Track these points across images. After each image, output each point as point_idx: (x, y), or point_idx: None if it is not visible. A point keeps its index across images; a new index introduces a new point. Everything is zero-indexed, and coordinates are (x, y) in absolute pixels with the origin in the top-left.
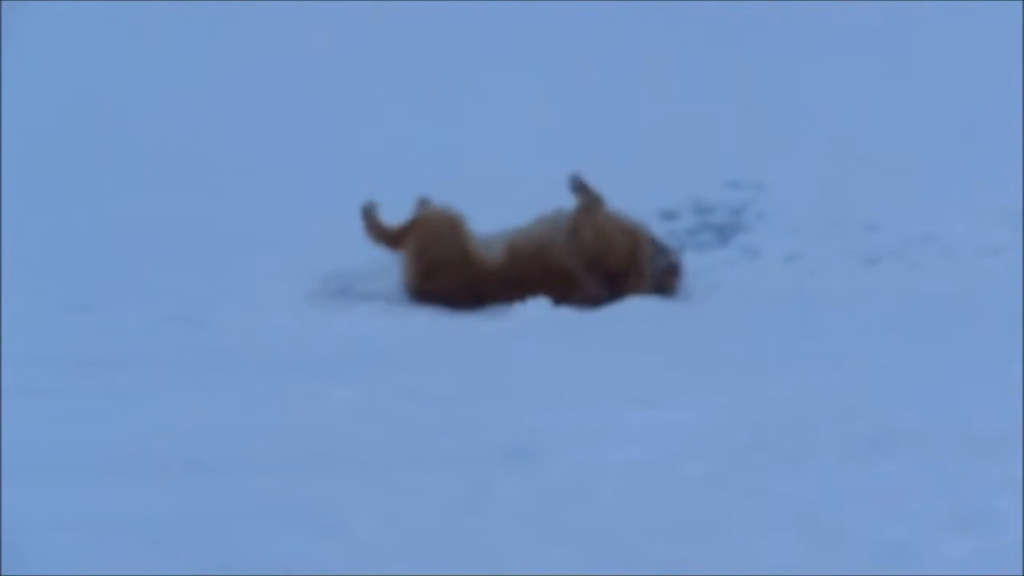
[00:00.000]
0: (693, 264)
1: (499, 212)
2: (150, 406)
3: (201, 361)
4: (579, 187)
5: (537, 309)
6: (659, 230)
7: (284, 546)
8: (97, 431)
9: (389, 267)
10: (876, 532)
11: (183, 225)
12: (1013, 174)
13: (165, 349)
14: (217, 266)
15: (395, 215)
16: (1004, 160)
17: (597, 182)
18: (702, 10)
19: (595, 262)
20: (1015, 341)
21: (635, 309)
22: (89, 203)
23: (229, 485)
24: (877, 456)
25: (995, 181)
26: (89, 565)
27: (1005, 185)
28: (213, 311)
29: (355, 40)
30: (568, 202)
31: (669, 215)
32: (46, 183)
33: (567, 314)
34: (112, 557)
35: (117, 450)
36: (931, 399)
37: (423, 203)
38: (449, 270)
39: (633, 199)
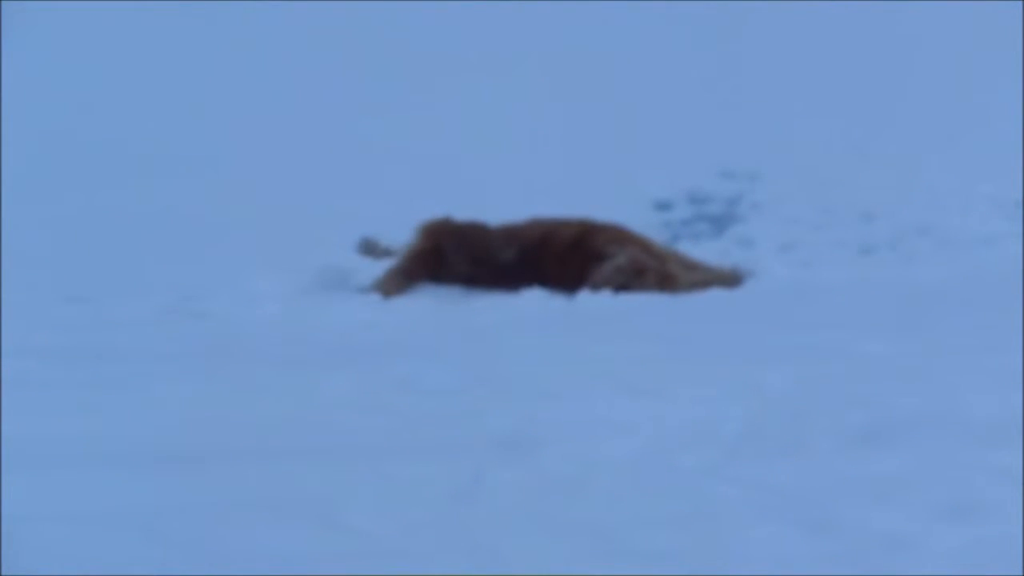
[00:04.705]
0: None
1: (495, 205)
2: (144, 397)
3: (196, 352)
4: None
5: (532, 300)
6: (654, 221)
7: (278, 538)
8: (91, 423)
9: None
10: (872, 522)
11: (178, 217)
12: (1008, 164)
13: (160, 341)
14: (212, 258)
15: (393, 211)
16: (1000, 150)
17: (592, 173)
18: (698, 2)
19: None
20: (1011, 331)
21: (629, 300)
22: (85, 195)
23: (223, 477)
24: (872, 447)
25: (991, 171)
26: (83, 557)
27: (1001, 175)
28: (208, 303)
29: (355, 36)
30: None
31: (664, 206)
32: (42, 176)
33: (562, 305)
34: (105, 549)
35: (110, 442)
36: (927, 389)
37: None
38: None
39: (628, 190)
